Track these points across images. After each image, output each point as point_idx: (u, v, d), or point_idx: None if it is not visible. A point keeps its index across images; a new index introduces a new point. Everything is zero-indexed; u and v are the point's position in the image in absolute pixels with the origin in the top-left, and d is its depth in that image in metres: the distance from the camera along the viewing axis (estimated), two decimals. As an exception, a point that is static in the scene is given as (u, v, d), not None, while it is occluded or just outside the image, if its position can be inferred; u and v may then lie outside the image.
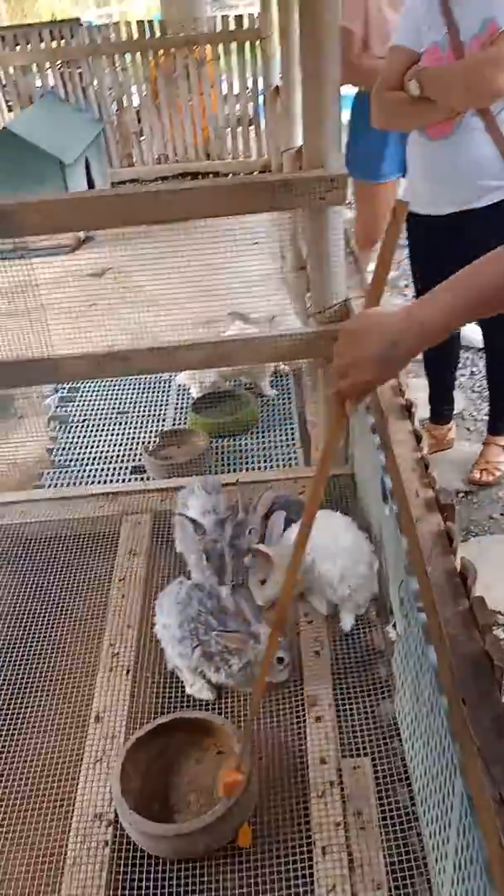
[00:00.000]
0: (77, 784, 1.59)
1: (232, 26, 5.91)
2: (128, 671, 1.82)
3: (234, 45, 5.97)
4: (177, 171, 6.30)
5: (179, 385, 3.33)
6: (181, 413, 3.19)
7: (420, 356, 2.85)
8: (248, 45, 5.93)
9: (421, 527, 1.32)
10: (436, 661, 1.20)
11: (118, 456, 2.96)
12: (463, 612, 1.14)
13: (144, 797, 1.51)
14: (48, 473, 2.90)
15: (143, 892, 1.41)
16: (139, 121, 6.35)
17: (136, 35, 5.93)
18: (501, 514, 2.58)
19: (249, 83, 6.12)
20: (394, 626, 1.71)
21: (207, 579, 1.93)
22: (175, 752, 1.61)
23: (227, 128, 6.34)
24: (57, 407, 3.33)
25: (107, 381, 3.40)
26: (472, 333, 3.22)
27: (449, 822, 1.19)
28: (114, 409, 3.28)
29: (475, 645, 1.09)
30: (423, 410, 2.79)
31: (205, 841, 1.40)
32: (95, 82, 6.12)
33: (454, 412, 3.08)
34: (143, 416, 3.21)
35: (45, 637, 1.98)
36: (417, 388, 2.69)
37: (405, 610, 1.49)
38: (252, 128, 6.30)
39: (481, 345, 2.94)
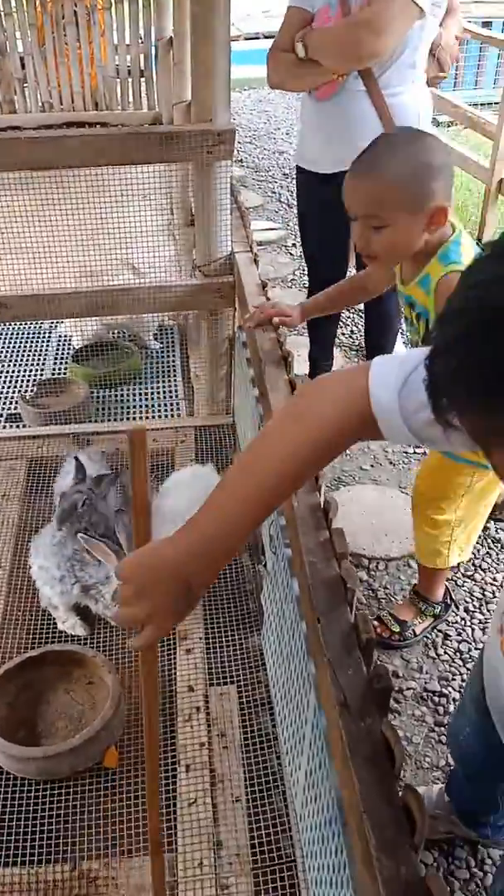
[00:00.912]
0: None
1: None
2: (-3, 610, 1.82)
3: (127, -7, 5.79)
4: (63, 121, 6.03)
5: (61, 335, 3.27)
6: (62, 363, 3.13)
7: None
8: (142, -7, 5.77)
9: (291, 469, 1.40)
10: (298, 591, 1.29)
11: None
12: (323, 543, 1.23)
13: (11, 724, 1.53)
14: None
15: (8, 810, 1.45)
16: (23, 67, 6.05)
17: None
18: (371, 466, 2.73)
19: (142, 33, 5.96)
20: (265, 565, 1.80)
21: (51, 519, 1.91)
22: (45, 684, 1.64)
23: (117, 78, 6.16)
24: None
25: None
26: None
27: (303, 735, 1.29)
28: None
29: (332, 571, 1.18)
30: (303, 367, 2.88)
31: (70, 762, 1.45)
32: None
33: (332, 369, 3.19)
34: (20, 365, 3.13)
35: None
36: (298, 344, 2.77)
37: (274, 546, 1.57)
38: (143, 79, 6.15)
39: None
